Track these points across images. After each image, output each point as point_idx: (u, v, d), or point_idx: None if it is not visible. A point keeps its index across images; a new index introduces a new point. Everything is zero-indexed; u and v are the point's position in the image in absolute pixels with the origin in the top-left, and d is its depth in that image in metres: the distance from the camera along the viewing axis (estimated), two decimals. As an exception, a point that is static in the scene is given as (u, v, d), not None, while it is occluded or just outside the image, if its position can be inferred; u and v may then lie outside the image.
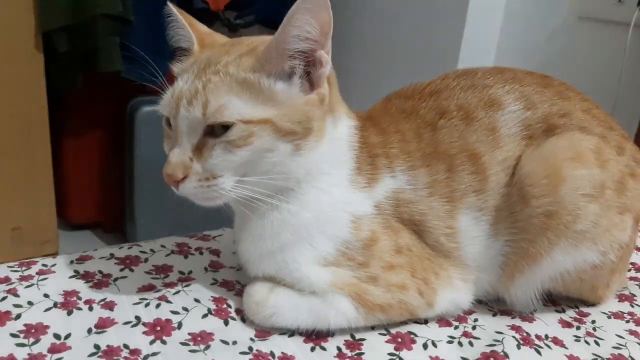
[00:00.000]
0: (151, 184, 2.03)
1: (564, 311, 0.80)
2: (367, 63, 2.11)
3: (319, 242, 0.69)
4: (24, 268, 0.76)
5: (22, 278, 0.73)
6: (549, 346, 0.72)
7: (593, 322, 0.78)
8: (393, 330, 0.71)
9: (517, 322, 0.76)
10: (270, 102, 0.63)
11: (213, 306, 0.72)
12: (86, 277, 0.75)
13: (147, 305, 0.70)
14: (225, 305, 0.72)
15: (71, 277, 0.75)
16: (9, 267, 0.76)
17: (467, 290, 0.74)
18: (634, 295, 0.86)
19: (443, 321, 0.74)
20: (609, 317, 0.80)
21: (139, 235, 2.09)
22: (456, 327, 0.74)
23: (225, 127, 0.62)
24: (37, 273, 0.75)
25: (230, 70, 0.63)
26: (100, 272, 0.77)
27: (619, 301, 0.84)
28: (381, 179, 0.71)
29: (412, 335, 0.71)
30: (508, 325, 0.75)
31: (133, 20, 1.79)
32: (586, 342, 0.74)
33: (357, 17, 2.13)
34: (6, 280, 0.73)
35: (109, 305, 0.70)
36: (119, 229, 2.23)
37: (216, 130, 0.62)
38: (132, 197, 2.06)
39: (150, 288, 0.74)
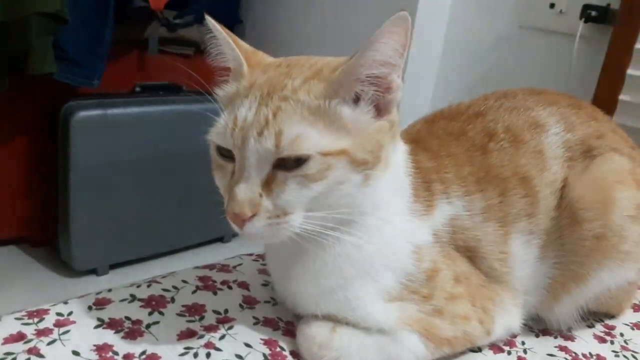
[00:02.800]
0: (88, 196, 1.87)
1: (593, 326, 0.82)
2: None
3: (383, 276, 0.65)
4: (36, 319, 0.65)
5: (40, 333, 0.63)
6: (596, 365, 0.73)
7: (621, 335, 0.81)
8: (454, 362, 0.69)
9: (561, 342, 0.76)
10: (343, 131, 0.58)
11: (266, 350, 0.66)
12: (113, 325, 0.66)
13: (195, 355, 0.63)
14: (278, 349, 0.66)
15: (96, 327, 0.65)
16: (17, 319, 0.65)
17: (518, 315, 0.74)
18: (644, 304, 0.90)
19: (494, 347, 0.73)
20: (633, 329, 0.83)
21: (74, 250, 1.91)
22: (509, 353, 0.73)
23: (299, 160, 0.56)
24: (54, 325, 0.65)
25: (301, 96, 0.58)
26: (127, 318, 0.68)
27: (634, 311, 0.88)
28: (438, 205, 0.69)
29: (474, 366, 0.69)
30: (555, 346, 0.75)
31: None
32: (625, 357, 0.76)
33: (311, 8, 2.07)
34: (21, 337, 0.62)
35: (153, 359, 0.62)
36: (47, 243, 2.03)
37: (288, 163, 0.56)
38: (66, 211, 1.88)
39: (190, 334, 0.67)
